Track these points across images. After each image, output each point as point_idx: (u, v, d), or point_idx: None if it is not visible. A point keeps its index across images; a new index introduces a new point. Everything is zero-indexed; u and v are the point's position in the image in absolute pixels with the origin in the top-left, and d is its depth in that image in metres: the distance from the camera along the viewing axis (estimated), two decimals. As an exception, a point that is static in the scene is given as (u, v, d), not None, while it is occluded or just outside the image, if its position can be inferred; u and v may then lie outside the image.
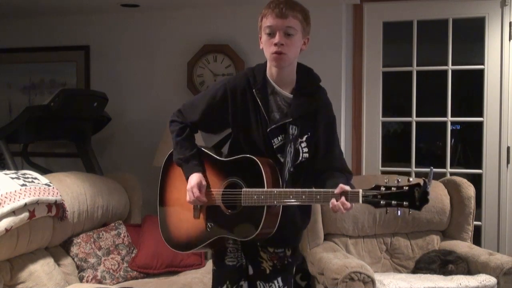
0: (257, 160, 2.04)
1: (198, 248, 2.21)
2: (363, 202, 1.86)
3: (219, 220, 2.13)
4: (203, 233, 2.16)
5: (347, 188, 1.90)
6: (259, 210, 2.01)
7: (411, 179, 1.80)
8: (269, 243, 2.20)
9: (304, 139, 2.12)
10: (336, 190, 1.90)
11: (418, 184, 1.78)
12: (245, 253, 2.26)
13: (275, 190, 2.00)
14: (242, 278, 2.23)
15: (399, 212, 1.82)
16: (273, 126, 2.08)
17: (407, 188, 1.79)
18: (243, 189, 2.05)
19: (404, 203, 1.79)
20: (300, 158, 2.12)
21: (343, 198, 1.88)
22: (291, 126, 2.08)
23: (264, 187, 2.01)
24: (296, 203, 1.99)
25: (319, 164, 2.14)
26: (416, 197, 1.77)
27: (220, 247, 2.21)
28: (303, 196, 1.96)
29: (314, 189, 1.97)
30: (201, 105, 2.19)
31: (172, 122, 2.26)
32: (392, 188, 1.81)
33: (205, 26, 4.21)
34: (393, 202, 1.81)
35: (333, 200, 1.89)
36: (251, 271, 2.26)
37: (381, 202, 1.82)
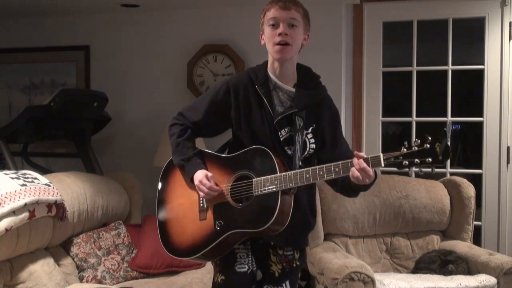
0: (266, 148, 2.03)
1: (206, 250, 2.09)
2: (385, 165, 1.84)
3: (229, 216, 2.06)
4: (212, 233, 2.08)
5: (365, 155, 1.89)
6: (272, 197, 1.97)
7: (429, 137, 1.79)
8: (282, 241, 2.17)
9: (310, 130, 2.12)
10: (356, 158, 1.88)
11: (438, 139, 1.78)
12: (255, 257, 2.20)
13: (290, 172, 1.97)
14: (253, 285, 2.18)
15: (422, 170, 1.81)
16: (279, 117, 2.08)
17: (428, 145, 1.78)
18: (254, 179, 2.03)
19: (427, 160, 1.78)
20: (308, 149, 2.12)
21: (364, 163, 1.86)
22: (297, 117, 2.09)
23: (276, 173, 1.98)
24: (313, 181, 1.95)
25: (328, 155, 2.13)
26: (438, 152, 1.77)
27: (228, 251, 2.12)
28: (321, 172, 1.92)
29: (331, 163, 1.93)
30: (204, 104, 2.18)
31: (173, 126, 2.22)
32: (413, 148, 1.80)
33: (205, 26, 4.21)
34: (416, 160, 1.79)
35: (353, 168, 1.87)
36: (259, 276, 2.22)
37: (404, 162, 1.81)
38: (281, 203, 1.96)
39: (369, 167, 1.86)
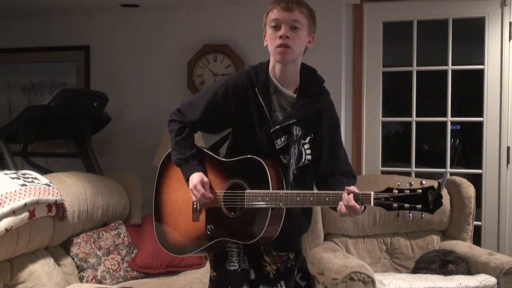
0: (262, 161, 1.99)
1: (196, 252, 2.13)
2: (374, 204, 1.81)
3: (220, 222, 2.07)
4: (202, 236, 2.09)
5: (357, 190, 1.85)
6: (262, 212, 1.96)
7: (424, 182, 1.78)
8: (273, 247, 2.16)
9: (307, 140, 2.07)
10: (346, 192, 1.86)
11: (432, 187, 1.76)
12: (248, 257, 2.19)
13: (281, 192, 1.95)
14: (244, 283, 2.17)
15: (411, 215, 1.79)
16: (277, 127, 2.04)
17: (420, 191, 1.76)
18: (246, 191, 2.01)
19: (417, 206, 1.76)
20: (303, 160, 2.08)
21: (353, 201, 1.83)
22: (295, 127, 2.03)
23: (269, 189, 1.96)
24: (302, 205, 1.95)
25: (324, 168, 2.10)
26: (429, 200, 1.75)
27: (219, 250, 2.14)
28: (311, 198, 1.92)
29: (322, 191, 1.93)
30: (202, 103, 2.13)
31: (171, 122, 2.19)
32: (405, 191, 1.78)
33: (205, 26, 4.21)
34: (406, 205, 1.77)
35: (342, 204, 1.85)
36: (253, 276, 2.21)
37: (394, 205, 1.78)
38: (270, 219, 1.96)
39: (359, 203, 1.83)
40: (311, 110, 2.06)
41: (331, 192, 1.90)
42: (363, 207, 1.86)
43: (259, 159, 2.00)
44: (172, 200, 2.21)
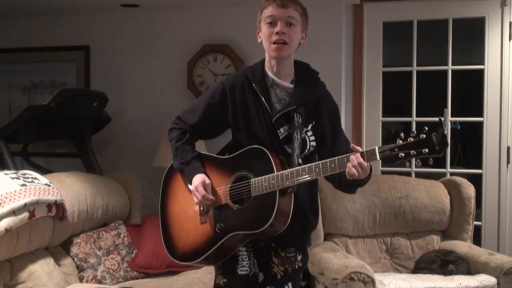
0: (263, 148, 2.01)
1: (207, 255, 2.07)
2: (380, 158, 1.80)
3: (228, 218, 2.05)
4: (212, 237, 2.06)
5: (361, 149, 1.86)
6: (271, 197, 1.95)
7: (426, 128, 1.75)
8: (282, 242, 2.16)
9: (309, 128, 2.10)
10: (351, 152, 1.86)
11: (435, 129, 1.73)
12: (257, 259, 2.18)
13: (286, 171, 1.95)
14: (255, 287, 2.16)
15: (419, 162, 1.77)
16: (278, 115, 2.06)
17: (424, 135, 1.74)
18: (252, 179, 2.01)
19: (424, 150, 1.74)
20: (308, 147, 2.10)
21: (360, 157, 1.83)
22: (295, 114, 2.06)
23: (273, 172, 1.96)
24: (310, 178, 1.92)
25: (328, 153, 2.11)
26: (435, 142, 1.72)
27: (230, 255, 2.10)
28: (317, 169, 1.91)
29: (327, 159, 1.91)
30: (201, 106, 2.17)
31: (171, 130, 2.21)
32: (409, 139, 1.76)
33: (205, 26, 4.21)
34: (412, 152, 1.75)
35: (349, 165, 1.85)
36: (261, 279, 2.20)
37: (400, 154, 1.77)
38: (279, 203, 1.94)
39: (365, 161, 1.84)
40: (309, 97, 2.10)
41: (336, 157, 1.89)
42: (369, 165, 1.86)
43: (260, 147, 2.02)
44: (178, 209, 2.20)
